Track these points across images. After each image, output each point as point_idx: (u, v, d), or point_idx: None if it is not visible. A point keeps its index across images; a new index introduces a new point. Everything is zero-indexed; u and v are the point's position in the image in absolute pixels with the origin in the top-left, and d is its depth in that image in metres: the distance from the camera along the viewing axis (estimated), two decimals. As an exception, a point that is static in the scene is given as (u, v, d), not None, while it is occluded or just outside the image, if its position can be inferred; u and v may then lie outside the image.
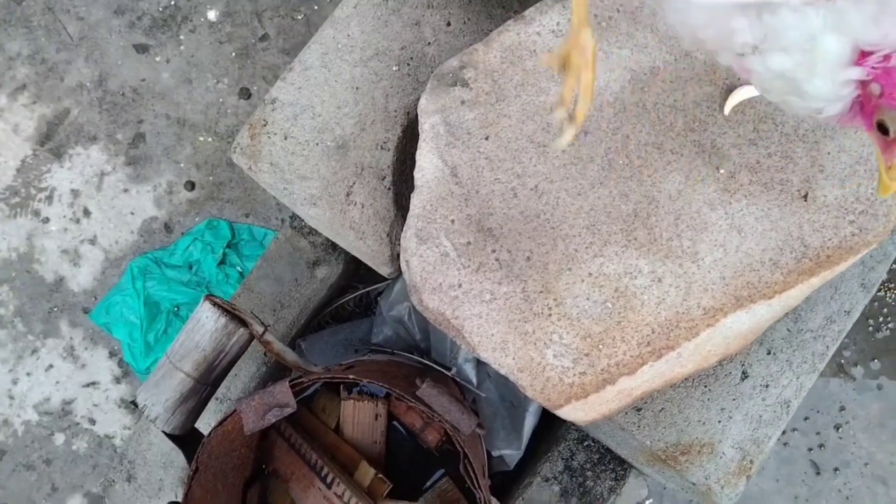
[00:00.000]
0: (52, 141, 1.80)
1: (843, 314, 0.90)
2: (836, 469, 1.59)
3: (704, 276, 0.82)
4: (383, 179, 0.95)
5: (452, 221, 0.85)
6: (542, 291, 0.82)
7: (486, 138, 0.87)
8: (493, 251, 0.84)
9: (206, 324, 1.01)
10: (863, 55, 0.51)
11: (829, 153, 0.85)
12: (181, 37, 1.82)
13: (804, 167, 0.84)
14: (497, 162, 0.86)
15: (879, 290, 1.62)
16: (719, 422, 0.88)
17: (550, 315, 0.82)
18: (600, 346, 0.81)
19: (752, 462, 0.88)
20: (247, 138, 0.96)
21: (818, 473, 1.59)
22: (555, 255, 0.83)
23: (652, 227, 0.83)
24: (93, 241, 1.75)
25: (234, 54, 1.81)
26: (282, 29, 1.81)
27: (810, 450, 1.60)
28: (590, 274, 0.83)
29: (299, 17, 1.82)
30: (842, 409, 1.61)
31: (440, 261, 0.83)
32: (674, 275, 0.82)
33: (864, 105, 0.52)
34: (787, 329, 0.90)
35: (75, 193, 1.77)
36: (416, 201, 0.86)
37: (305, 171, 0.95)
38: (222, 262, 1.68)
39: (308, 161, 0.95)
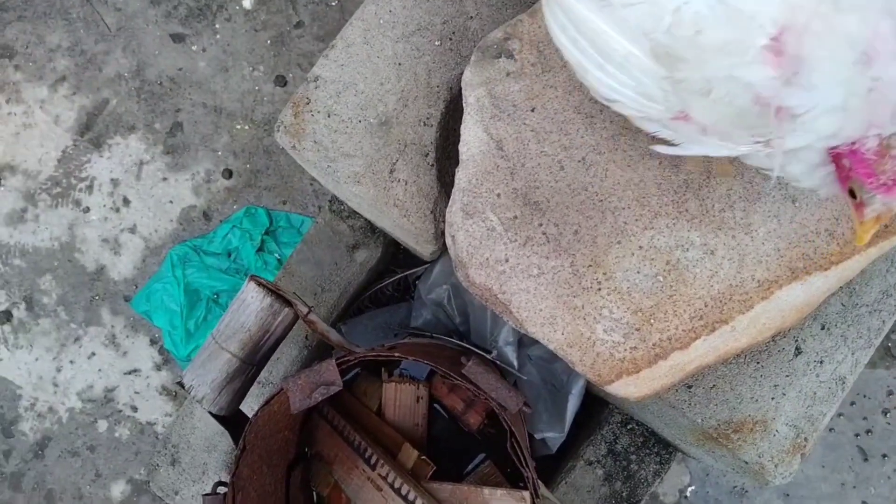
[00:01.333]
0: (92, 131, 1.83)
1: (902, 287, 0.88)
2: (884, 455, 1.55)
3: (758, 248, 0.80)
4: (426, 156, 0.94)
5: (498, 195, 0.84)
6: (590, 265, 0.81)
7: (532, 110, 0.85)
8: (541, 225, 0.82)
9: (251, 304, 1.01)
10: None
11: None
12: (217, 25, 1.83)
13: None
14: (543, 134, 0.85)
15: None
16: (772, 398, 0.86)
17: (600, 289, 0.80)
18: (652, 321, 0.79)
19: (806, 440, 0.85)
20: (290, 116, 0.96)
21: (865, 459, 1.56)
22: (603, 228, 0.82)
23: (704, 198, 0.81)
24: (132, 230, 1.77)
25: (269, 42, 1.81)
26: (316, 16, 1.81)
27: (857, 435, 1.56)
28: (640, 247, 0.81)
29: (333, 4, 1.82)
30: (890, 393, 1.57)
31: (486, 235, 0.82)
32: (727, 247, 0.80)
33: (839, 174, 0.60)
34: (842, 304, 0.88)
35: (115, 183, 1.79)
36: (462, 175, 0.85)
37: (349, 148, 0.94)
38: (260, 250, 1.69)
39: (351, 138, 0.94)
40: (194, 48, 1.83)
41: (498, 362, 1.23)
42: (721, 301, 0.79)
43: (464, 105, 0.87)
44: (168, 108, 1.81)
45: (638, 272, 0.80)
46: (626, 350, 0.79)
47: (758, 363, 0.87)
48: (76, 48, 1.86)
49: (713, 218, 0.81)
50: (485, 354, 1.13)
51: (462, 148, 0.86)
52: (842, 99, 0.55)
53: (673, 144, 0.67)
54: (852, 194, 0.60)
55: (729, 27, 0.56)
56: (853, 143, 0.57)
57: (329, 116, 0.95)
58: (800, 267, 0.79)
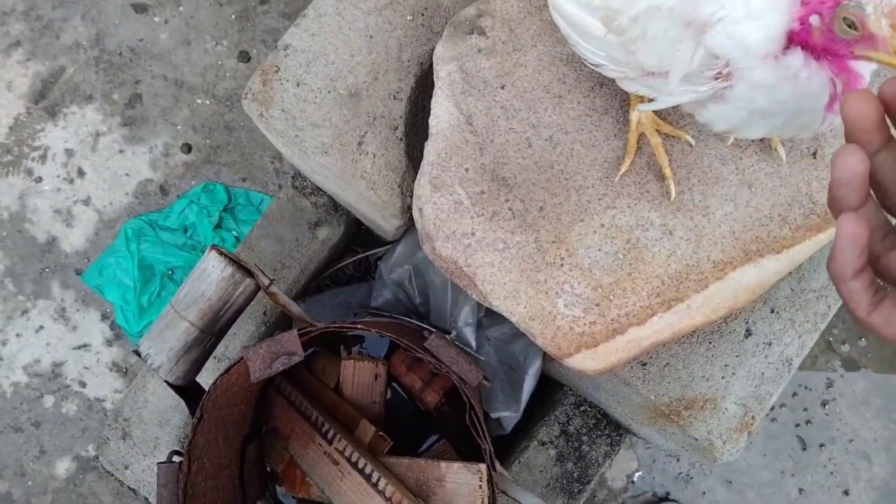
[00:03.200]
0: (47, 99, 1.78)
1: (848, 275, 0.91)
2: (821, 445, 1.62)
3: (715, 230, 0.83)
4: (395, 130, 0.95)
5: (467, 170, 0.85)
6: (554, 241, 0.83)
7: (502, 87, 0.87)
8: (507, 200, 0.84)
9: (212, 273, 1.00)
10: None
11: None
12: (180, -4, 1.80)
13: (816, 126, 0.85)
14: (513, 111, 0.86)
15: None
16: (723, 378, 0.89)
17: (562, 265, 0.82)
18: (611, 297, 0.81)
19: (753, 418, 0.89)
20: (259, 84, 0.95)
21: (804, 449, 1.62)
22: (568, 205, 0.84)
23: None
24: (86, 202, 1.73)
25: (233, 17, 1.79)
26: (283, -7, 1.80)
27: (797, 426, 1.62)
28: (602, 225, 0.83)
29: (301, -18, 1.81)
30: (829, 385, 1.63)
31: (454, 209, 0.83)
32: (685, 228, 0.83)
33: (816, 50, 0.56)
34: (791, 288, 0.91)
35: (69, 153, 1.75)
36: (431, 149, 0.86)
37: (317, 118, 0.94)
38: (218, 227, 1.67)
39: (320, 109, 0.94)
40: (156, 19, 1.79)
41: (457, 343, 1.25)
42: (678, 280, 0.81)
43: (435, 79, 0.88)
44: (127, 80, 1.78)
45: (599, 249, 0.82)
46: (585, 324, 0.81)
47: (710, 343, 0.89)
48: (32, 13, 1.81)
49: (673, 199, 0.83)
50: (444, 335, 1.14)
51: (432, 122, 0.86)
52: None
53: (651, 100, 0.69)
54: (849, 33, 0.52)
55: None
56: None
57: (298, 86, 0.95)
58: (753, 250, 0.82)
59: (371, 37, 0.96)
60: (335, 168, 0.94)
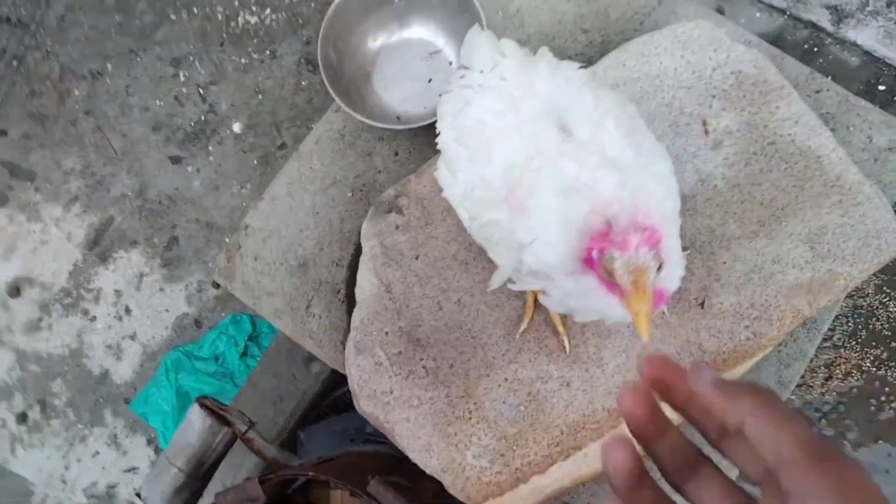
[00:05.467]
0: (99, 246, 2.02)
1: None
2: None
3: (608, 380, 0.90)
4: (338, 293, 1.07)
5: (386, 333, 0.96)
6: (463, 396, 0.92)
7: (417, 258, 0.98)
8: (421, 360, 0.94)
9: (195, 423, 1.14)
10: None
11: (724, 262, 0.92)
12: (210, 148, 2.03)
13: (701, 277, 0.92)
14: (425, 279, 0.97)
15: (879, 370, 1.61)
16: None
17: (471, 418, 0.91)
18: (514, 447, 0.89)
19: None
20: (223, 261, 1.11)
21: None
22: (475, 361, 0.93)
23: (561, 334, 0.92)
24: (133, 337, 1.94)
25: (255, 162, 2.00)
26: (298, 137, 2.00)
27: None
28: (506, 379, 0.92)
29: (312, 126, 2.00)
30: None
31: (375, 369, 0.94)
32: (581, 379, 0.90)
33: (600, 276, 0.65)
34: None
35: (118, 293, 1.97)
36: (356, 315, 0.97)
37: (272, 288, 1.08)
38: (244, 354, 1.83)
39: (274, 279, 1.08)
40: (189, 169, 2.02)
41: (401, 485, 1.32)
42: (575, 429, 0.89)
43: (362, 253, 1.01)
44: (166, 224, 2.00)
45: (503, 402, 0.91)
46: (492, 474, 0.89)
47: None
48: (87, 171, 2.08)
49: (569, 353, 0.91)
50: (386, 480, 1.23)
51: (358, 290, 0.99)
52: (553, 230, 0.68)
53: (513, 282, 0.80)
54: (609, 278, 0.63)
55: (485, 188, 0.74)
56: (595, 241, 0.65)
57: (256, 260, 1.10)
58: (645, 396, 0.88)
59: (317, 213, 1.10)
60: (287, 330, 1.07)
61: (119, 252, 2.00)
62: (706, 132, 1.00)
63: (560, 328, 0.91)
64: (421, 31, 1.20)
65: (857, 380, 1.57)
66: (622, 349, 0.91)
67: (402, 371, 0.94)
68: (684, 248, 0.93)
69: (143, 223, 2.01)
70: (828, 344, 1.48)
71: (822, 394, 1.50)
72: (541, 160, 0.70)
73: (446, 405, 0.92)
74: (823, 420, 1.46)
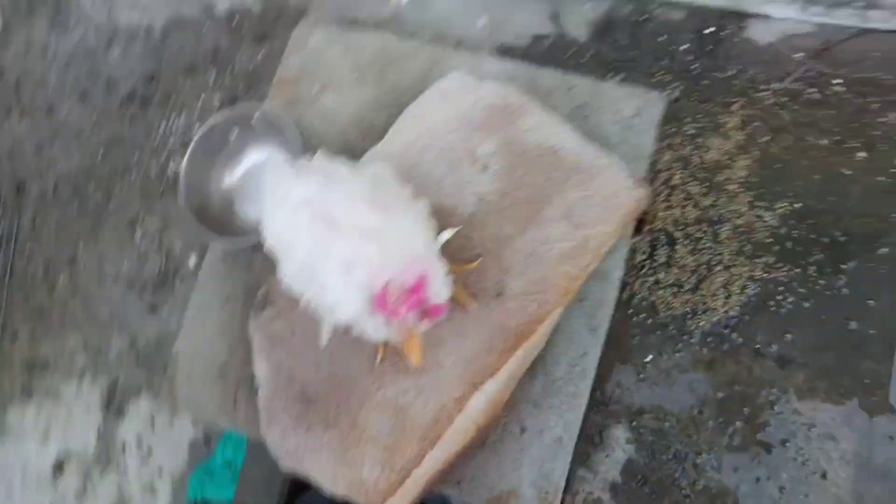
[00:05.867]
0: (113, 405, 2.33)
1: (581, 356, 1.20)
2: (784, 441, 1.75)
3: (449, 376, 1.15)
4: (253, 384, 1.34)
5: (285, 401, 1.22)
6: (351, 427, 1.17)
7: (293, 334, 1.25)
8: (315, 412, 1.20)
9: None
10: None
11: (509, 257, 1.17)
12: (176, 286, 2.34)
13: (494, 274, 1.17)
14: (304, 348, 1.24)
15: (770, 273, 1.81)
16: (514, 471, 1.17)
17: (360, 442, 1.16)
18: (395, 453, 1.14)
19: (547, 492, 1.16)
20: (167, 388, 1.39)
21: (769, 451, 1.76)
22: (354, 398, 1.19)
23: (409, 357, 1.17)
24: (160, 474, 2.23)
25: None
26: (240, 257, 2.29)
27: (755, 433, 1.77)
28: (378, 402, 1.17)
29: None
30: (772, 387, 1.78)
31: (283, 434, 1.20)
32: (430, 383, 1.16)
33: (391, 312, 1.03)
34: (542, 383, 1.20)
35: (139, 438, 2.27)
36: (260, 396, 1.24)
37: (205, 399, 1.36)
38: (252, 453, 2.10)
39: (204, 391, 1.36)
40: (165, 311, 2.33)
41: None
42: (434, 423, 1.13)
43: (252, 347, 1.28)
44: (159, 365, 2.30)
45: (380, 420, 1.16)
46: (383, 480, 1.13)
47: (497, 449, 1.19)
48: (87, 345, 2.40)
49: (418, 368, 1.16)
50: None
51: (257, 376, 1.26)
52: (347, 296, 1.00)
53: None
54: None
55: (296, 277, 1.09)
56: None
57: (189, 379, 1.38)
58: (477, 380, 1.13)
59: (223, 326, 1.38)
60: (227, 426, 1.34)
61: (130, 402, 2.31)
62: (474, 161, 1.26)
63: (405, 350, 1.16)
64: (263, 153, 1.49)
65: (754, 289, 1.76)
66: (453, 350, 1.16)
67: (303, 426, 1.20)
68: (477, 256, 1.19)
69: (142, 370, 2.32)
70: (719, 267, 1.66)
71: (726, 312, 1.70)
72: (322, 251, 1.00)
73: (340, 439, 1.18)
74: (734, 333, 1.66)
